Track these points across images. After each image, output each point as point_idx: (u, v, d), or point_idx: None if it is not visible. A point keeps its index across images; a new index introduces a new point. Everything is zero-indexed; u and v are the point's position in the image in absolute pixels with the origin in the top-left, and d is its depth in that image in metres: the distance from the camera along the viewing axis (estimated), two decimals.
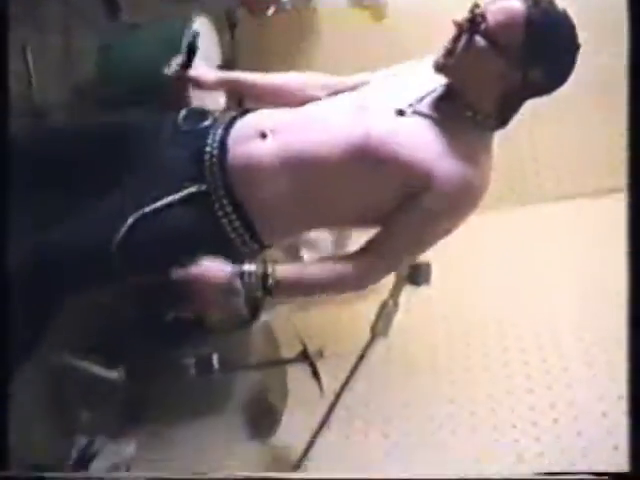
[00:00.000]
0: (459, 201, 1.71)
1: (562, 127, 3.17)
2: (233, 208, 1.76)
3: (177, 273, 1.68)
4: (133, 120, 1.98)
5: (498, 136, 1.78)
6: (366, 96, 1.82)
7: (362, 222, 1.82)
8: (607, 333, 2.51)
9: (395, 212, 1.73)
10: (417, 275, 2.13)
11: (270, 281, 1.69)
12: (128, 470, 2.28)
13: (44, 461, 2.10)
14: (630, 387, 1.50)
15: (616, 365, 2.41)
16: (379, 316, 2.10)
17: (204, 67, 2.04)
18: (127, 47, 2.62)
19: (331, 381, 2.25)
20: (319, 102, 1.90)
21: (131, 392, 2.41)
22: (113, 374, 2.36)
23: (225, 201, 1.76)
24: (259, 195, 1.76)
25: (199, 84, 2.00)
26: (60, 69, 2.62)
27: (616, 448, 2.19)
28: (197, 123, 1.86)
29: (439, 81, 1.78)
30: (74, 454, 2.24)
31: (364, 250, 1.77)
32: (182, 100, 2.06)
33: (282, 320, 2.71)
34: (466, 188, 1.70)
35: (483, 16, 1.69)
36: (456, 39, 1.72)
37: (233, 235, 1.77)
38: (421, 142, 1.72)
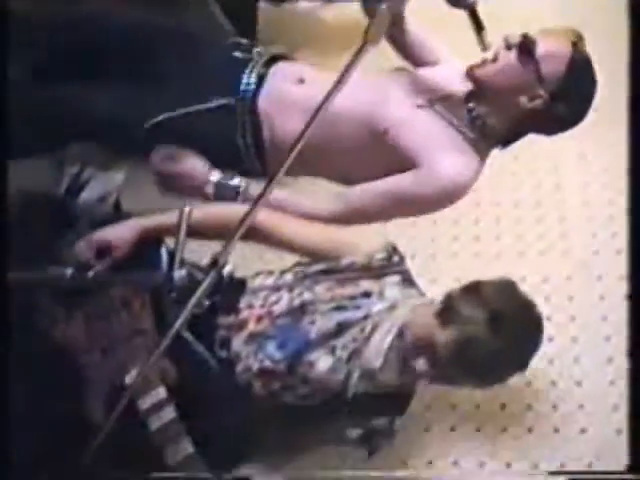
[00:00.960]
0: (436, 193, 1.87)
1: None
2: (252, 132, 1.95)
3: (163, 163, 1.93)
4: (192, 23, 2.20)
5: None
6: (391, 79, 1.99)
7: (348, 180, 1.99)
8: None
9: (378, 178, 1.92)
10: None
11: (240, 198, 1.90)
12: (118, 200, 2.40)
13: (38, 189, 2.34)
14: (630, 386, 1.68)
15: None
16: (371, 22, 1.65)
17: None
18: None
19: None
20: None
21: None
22: None
23: (247, 123, 1.94)
24: (278, 130, 1.94)
25: None
26: None
27: None
28: (244, 52, 2.03)
29: (464, 83, 1.89)
30: (64, 184, 2.39)
31: (337, 194, 1.96)
32: None
33: None
34: (446, 185, 1.86)
35: (534, 42, 1.79)
36: (500, 53, 1.81)
37: (245, 157, 1.97)
38: (425, 133, 1.88)
